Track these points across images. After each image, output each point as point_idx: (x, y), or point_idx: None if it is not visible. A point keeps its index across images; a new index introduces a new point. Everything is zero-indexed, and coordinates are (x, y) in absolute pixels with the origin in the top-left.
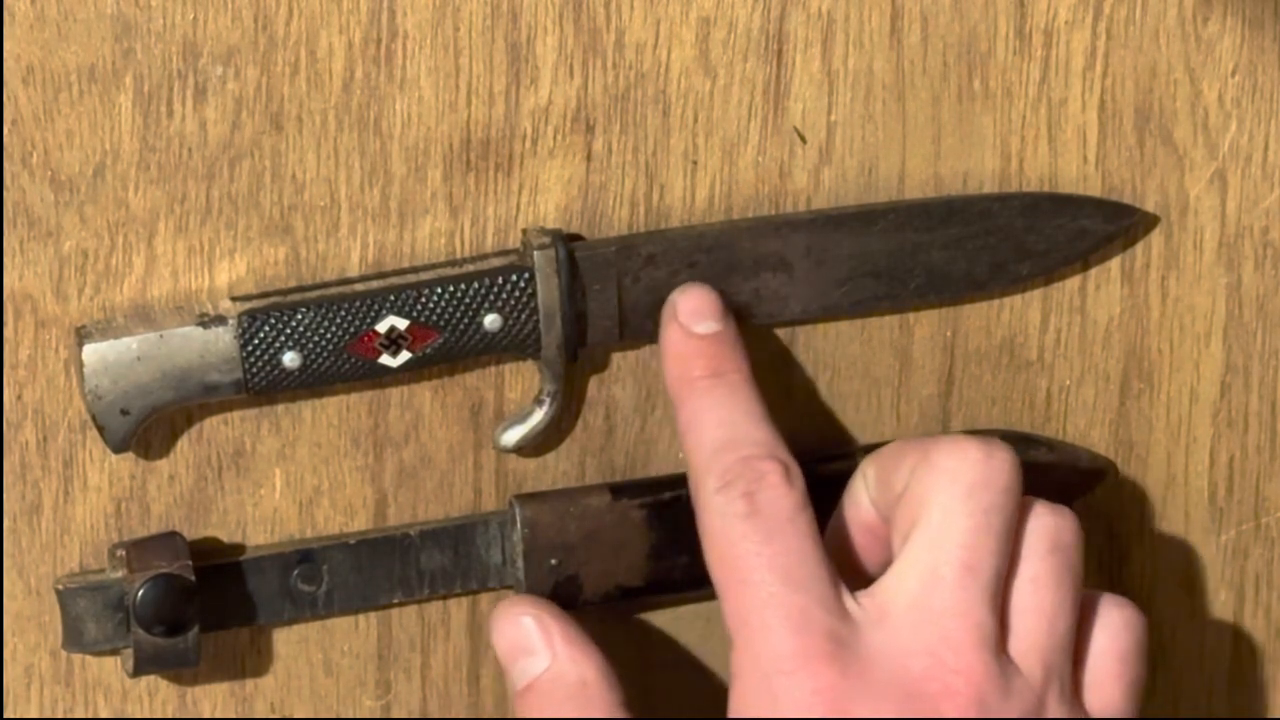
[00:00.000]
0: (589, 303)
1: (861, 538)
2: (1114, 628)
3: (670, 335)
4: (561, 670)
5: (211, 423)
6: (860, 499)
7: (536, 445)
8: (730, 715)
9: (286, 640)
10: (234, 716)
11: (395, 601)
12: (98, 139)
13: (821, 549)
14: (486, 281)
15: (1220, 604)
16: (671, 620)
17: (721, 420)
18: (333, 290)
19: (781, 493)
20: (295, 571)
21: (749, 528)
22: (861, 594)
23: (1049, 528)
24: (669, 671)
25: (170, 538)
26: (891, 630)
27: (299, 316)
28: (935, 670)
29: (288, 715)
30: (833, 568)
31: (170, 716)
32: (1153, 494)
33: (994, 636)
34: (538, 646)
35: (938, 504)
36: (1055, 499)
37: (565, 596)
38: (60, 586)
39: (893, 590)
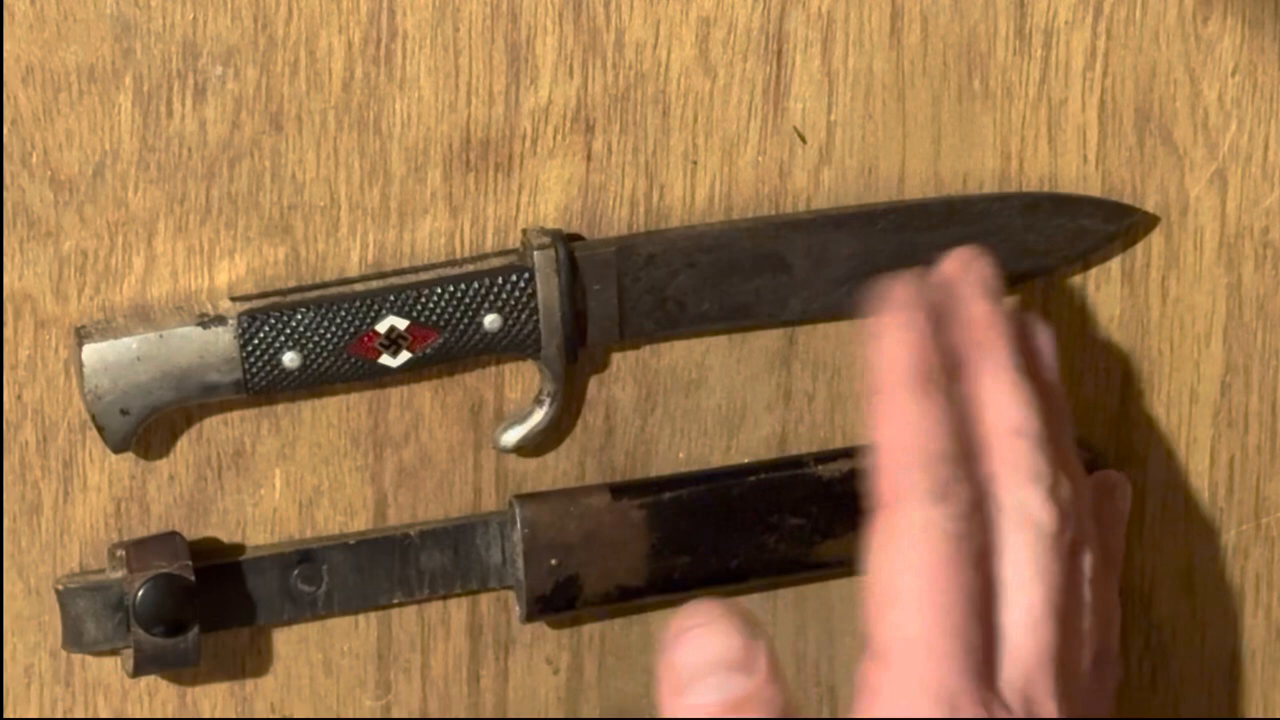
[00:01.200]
0: (589, 303)
1: None
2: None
3: (889, 332)
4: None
5: (211, 423)
6: None
7: (536, 445)
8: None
9: (286, 640)
10: (234, 716)
11: (395, 601)
12: (97, 139)
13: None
14: (486, 281)
15: (1220, 604)
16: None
17: (939, 430)
18: (333, 290)
19: (982, 526)
20: (295, 571)
21: (958, 550)
22: None
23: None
24: None
25: (170, 538)
26: (1005, 675)
27: (299, 316)
28: (1038, 707)
29: (288, 715)
30: None
31: (170, 716)
32: (1153, 494)
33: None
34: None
35: (1026, 550)
36: None
37: (565, 596)
38: (60, 586)
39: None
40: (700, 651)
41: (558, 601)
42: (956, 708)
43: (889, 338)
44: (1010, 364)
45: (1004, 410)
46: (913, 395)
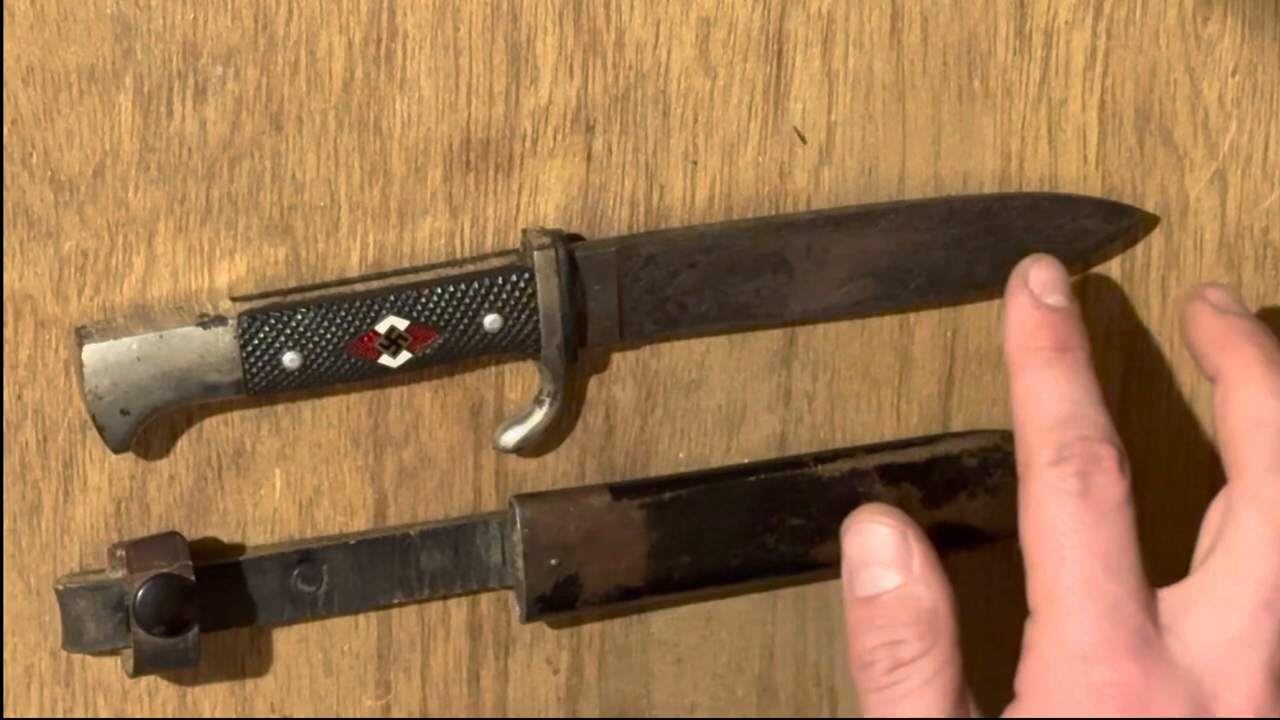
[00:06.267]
0: (589, 303)
1: None
2: None
3: (1019, 302)
4: (914, 591)
5: (211, 423)
6: None
7: (536, 445)
8: (1019, 683)
9: (286, 640)
10: (234, 716)
11: (395, 601)
12: (98, 139)
13: (1138, 545)
14: (486, 281)
15: None
16: (672, 620)
17: (1063, 395)
18: (333, 290)
19: (1114, 479)
20: (295, 571)
21: (1079, 507)
22: (1161, 593)
23: None
24: (670, 671)
25: (170, 538)
26: (1187, 642)
27: (299, 317)
28: (1225, 693)
29: (288, 715)
30: (1143, 565)
31: (170, 716)
32: (1153, 494)
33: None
34: (895, 560)
35: (1247, 533)
36: None
37: (565, 596)
38: (60, 586)
39: (1190, 603)
40: (860, 547)
41: (558, 601)
42: (1089, 659)
43: (1012, 315)
44: (1256, 360)
45: (1247, 403)
46: (1032, 368)
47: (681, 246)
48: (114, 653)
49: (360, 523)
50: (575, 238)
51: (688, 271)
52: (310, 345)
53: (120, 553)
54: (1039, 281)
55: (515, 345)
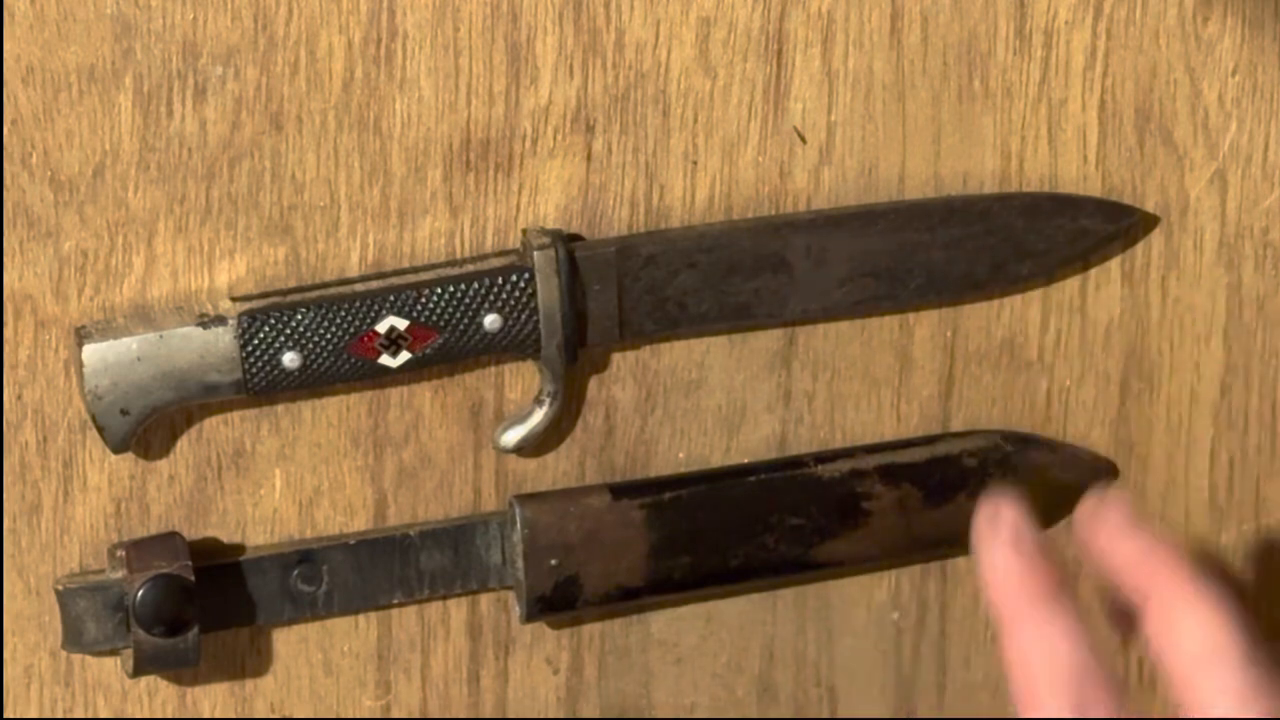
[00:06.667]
0: (589, 303)
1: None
2: None
3: (996, 552)
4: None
5: (211, 423)
6: None
7: (536, 445)
8: None
9: (286, 640)
10: (234, 717)
11: (395, 601)
12: (98, 139)
13: None
14: (486, 281)
15: None
16: (672, 620)
17: (1073, 646)
18: (333, 290)
19: None
20: (295, 571)
21: None
22: None
23: None
24: (670, 671)
25: (170, 538)
26: None
27: (299, 317)
28: None
29: (288, 715)
30: None
31: (170, 716)
32: (1153, 494)
33: None
34: None
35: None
36: (1055, 500)
37: (565, 596)
38: (60, 586)
39: None
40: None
41: (558, 601)
42: None
43: (995, 567)
44: (1191, 583)
45: (1195, 634)
46: (1030, 622)
47: (681, 246)
48: (114, 653)
49: (360, 523)
50: (575, 238)
51: (688, 271)
52: (310, 345)
53: (120, 553)
54: (1009, 525)
55: (515, 345)
